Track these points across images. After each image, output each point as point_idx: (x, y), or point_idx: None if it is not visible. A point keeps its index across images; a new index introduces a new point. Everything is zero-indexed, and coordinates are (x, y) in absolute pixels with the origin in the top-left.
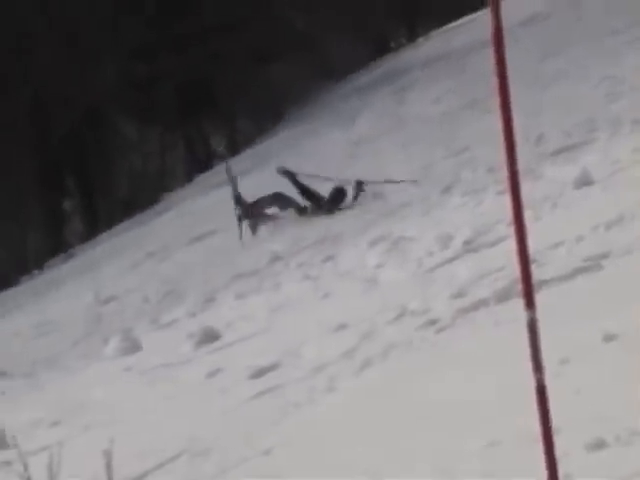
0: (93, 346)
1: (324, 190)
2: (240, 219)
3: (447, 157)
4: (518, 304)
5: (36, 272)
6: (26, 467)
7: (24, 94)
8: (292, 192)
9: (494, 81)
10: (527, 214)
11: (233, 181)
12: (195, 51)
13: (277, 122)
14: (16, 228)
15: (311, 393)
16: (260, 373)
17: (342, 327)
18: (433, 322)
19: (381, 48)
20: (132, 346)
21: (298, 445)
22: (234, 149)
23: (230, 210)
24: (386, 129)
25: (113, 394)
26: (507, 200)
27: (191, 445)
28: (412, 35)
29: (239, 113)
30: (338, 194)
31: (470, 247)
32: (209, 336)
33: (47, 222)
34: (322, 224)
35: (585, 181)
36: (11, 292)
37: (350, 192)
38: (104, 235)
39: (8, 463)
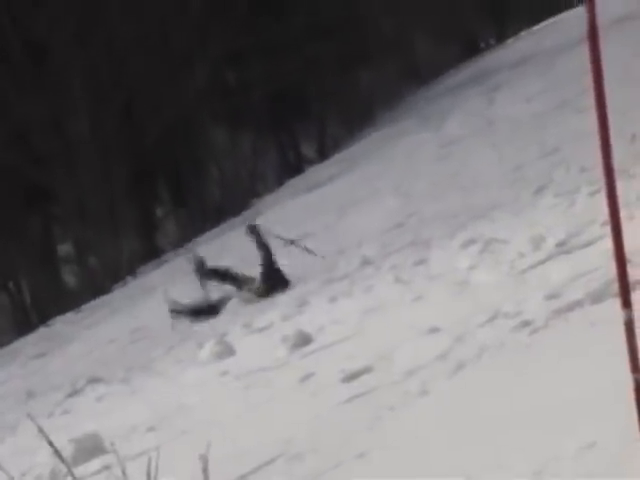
0: (187, 351)
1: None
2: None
3: (538, 158)
4: (613, 305)
5: (129, 278)
6: (124, 471)
7: (116, 101)
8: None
9: (587, 80)
10: (622, 213)
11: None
12: (286, 57)
13: (366, 126)
14: (109, 235)
15: (405, 396)
16: (353, 377)
17: (434, 330)
18: (526, 324)
19: (470, 49)
20: (226, 351)
21: (393, 448)
22: (324, 153)
23: (320, 215)
24: (476, 130)
25: (209, 399)
26: (600, 200)
27: (287, 449)
28: (501, 35)
29: (329, 118)
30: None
31: (563, 248)
32: (302, 340)
33: (140, 229)
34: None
35: None
36: (105, 299)
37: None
38: (197, 240)
39: (107, 468)
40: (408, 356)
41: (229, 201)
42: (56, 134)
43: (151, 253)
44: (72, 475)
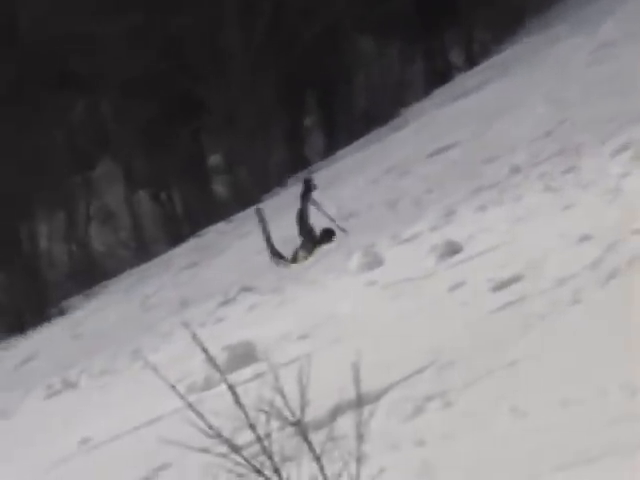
0: (336, 261)
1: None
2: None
3: None
4: None
5: (278, 189)
6: (277, 378)
7: (266, 11)
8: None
9: None
10: None
11: (264, 224)
12: None
13: (516, 32)
14: (258, 146)
15: (555, 305)
16: (503, 285)
17: (585, 238)
18: None
19: None
20: (374, 261)
21: (543, 357)
22: (472, 61)
23: (468, 123)
24: (632, 33)
25: (358, 308)
26: None
27: (436, 358)
28: None
29: (477, 24)
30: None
31: None
32: (450, 249)
33: (288, 139)
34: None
35: None
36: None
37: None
38: (344, 150)
39: (259, 375)
40: (558, 264)
41: (376, 110)
42: (208, 45)
43: (299, 163)
44: (226, 382)
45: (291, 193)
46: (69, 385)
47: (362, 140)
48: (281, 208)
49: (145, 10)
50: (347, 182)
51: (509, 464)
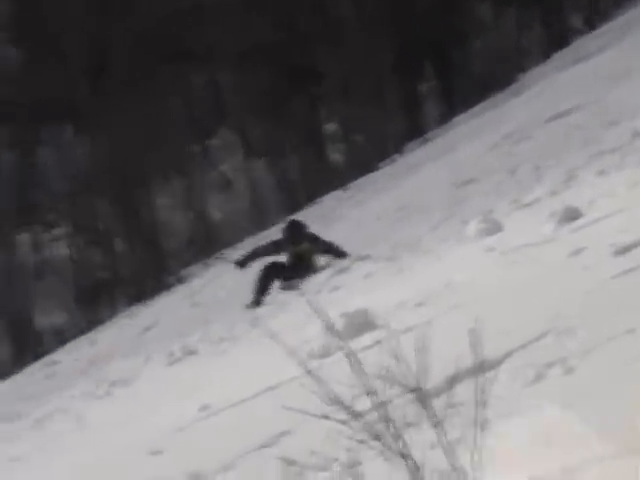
0: (453, 228)
1: None
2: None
3: None
4: None
5: (395, 157)
6: (396, 345)
7: None
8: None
9: None
10: None
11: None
12: None
13: None
14: (374, 113)
15: None
16: (624, 250)
17: None
18: None
19: None
20: (493, 227)
21: None
22: (592, 24)
23: (589, 87)
24: None
25: (476, 275)
26: None
27: (555, 324)
28: None
29: None
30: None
31: None
32: (570, 215)
33: (405, 106)
34: None
35: None
36: (371, 177)
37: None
38: (460, 117)
39: (377, 342)
40: None
41: (493, 76)
42: (322, 14)
43: (416, 130)
44: (344, 348)
45: (407, 161)
46: (189, 352)
47: (479, 107)
48: (397, 175)
49: None
50: (464, 148)
51: None
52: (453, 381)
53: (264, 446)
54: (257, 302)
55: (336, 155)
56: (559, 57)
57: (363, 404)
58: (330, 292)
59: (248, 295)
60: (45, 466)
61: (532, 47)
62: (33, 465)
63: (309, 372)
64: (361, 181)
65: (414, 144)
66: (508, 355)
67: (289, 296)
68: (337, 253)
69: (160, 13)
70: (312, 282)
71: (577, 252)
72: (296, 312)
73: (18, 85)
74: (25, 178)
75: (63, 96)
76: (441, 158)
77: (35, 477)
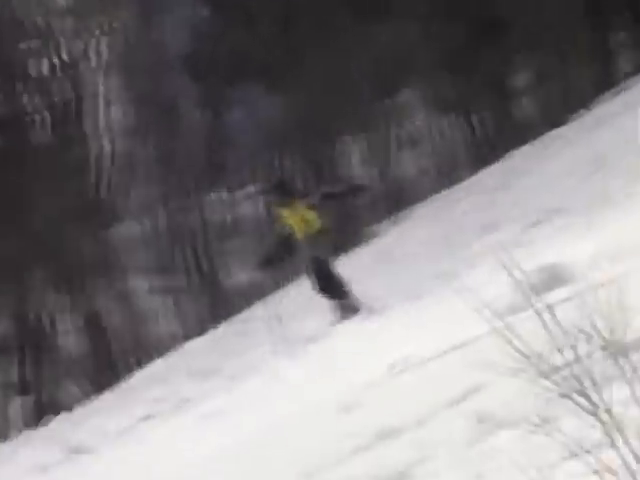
0: None
1: None
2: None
3: None
4: None
5: (586, 109)
6: (592, 299)
7: None
8: None
9: None
10: None
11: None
12: None
13: None
14: (565, 64)
15: None
16: None
17: None
18: None
19: None
20: None
21: None
22: None
23: None
24: None
25: None
26: None
27: None
28: None
29: None
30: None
31: None
32: None
33: (596, 57)
34: None
35: None
36: (561, 130)
37: None
38: None
39: (570, 297)
40: None
41: None
42: None
43: (607, 82)
44: (533, 306)
45: (599, 113)
46: (382, 307)
47: None
48: (589, 128)
49: None
50: None
51: None
52: None
53: (455, 402)
54: (343, 298)
55: (525, 109)
56: None
57: (556, 359)
58: (522, 247)
59: (436, 252)
60: (239, 423)
61: None
62: (227, 422)
63: (501, 327)
64: (551, 134)
65: (606, 96)
66: None
67: (479, 249)
68: (353, 190)
69: None
70: (505, 234)
71: None
72: (485, 267)
73: (210, 44)
74: (215, 137)
75: (254, 55)
76: (636, 110)
77: (230, 434)
